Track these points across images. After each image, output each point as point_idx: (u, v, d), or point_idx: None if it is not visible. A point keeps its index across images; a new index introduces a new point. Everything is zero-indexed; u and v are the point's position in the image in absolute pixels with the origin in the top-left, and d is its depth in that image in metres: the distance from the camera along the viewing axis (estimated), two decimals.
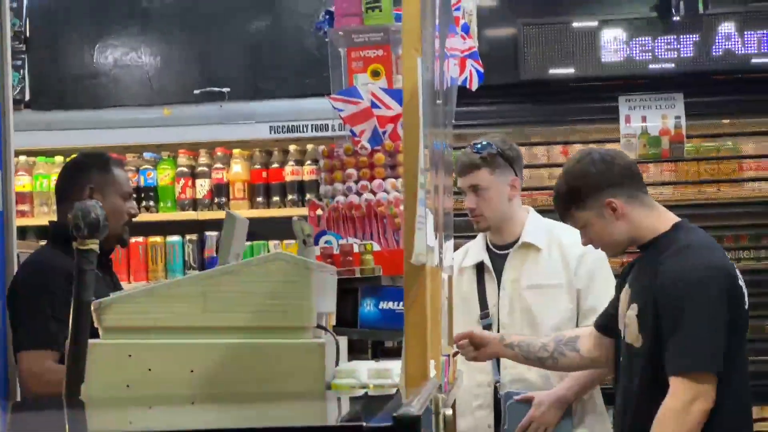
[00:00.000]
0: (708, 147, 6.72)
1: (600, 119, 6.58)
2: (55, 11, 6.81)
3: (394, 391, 2.32)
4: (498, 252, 4.13)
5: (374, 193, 3.22)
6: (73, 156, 4.05)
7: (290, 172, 6.38)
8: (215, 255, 6.45)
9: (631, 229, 3.36)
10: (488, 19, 6.56)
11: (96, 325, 2.38)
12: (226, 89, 6.50)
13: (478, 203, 4.03)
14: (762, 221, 6.61)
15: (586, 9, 6.61)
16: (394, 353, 3.31)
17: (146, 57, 6.77)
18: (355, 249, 2.95)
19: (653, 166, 6.63)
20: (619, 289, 3.53)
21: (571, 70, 6.47)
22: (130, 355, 2.32)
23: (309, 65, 6.50)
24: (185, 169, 6.48)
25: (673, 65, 6.35)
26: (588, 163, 3.39)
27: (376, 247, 3.04)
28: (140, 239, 6.37)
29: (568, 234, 4.12)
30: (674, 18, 6.36)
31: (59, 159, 6.38)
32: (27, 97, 6.63)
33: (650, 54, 6.36)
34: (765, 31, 6.29)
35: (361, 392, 2.32)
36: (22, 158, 6.35)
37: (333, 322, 2.76)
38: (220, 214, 6.43)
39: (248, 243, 5.86)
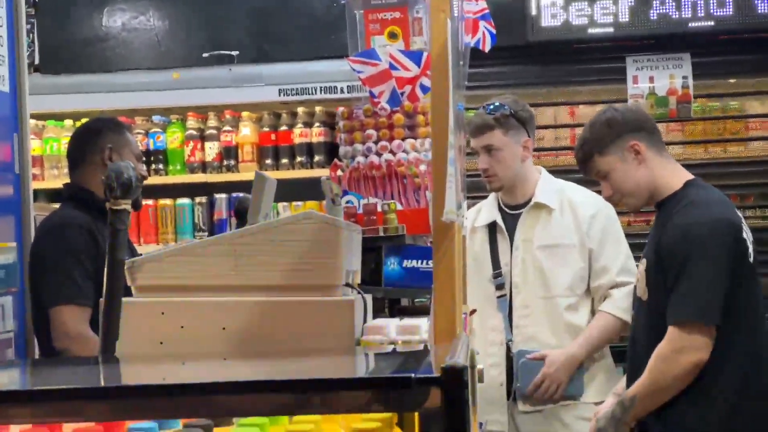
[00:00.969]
0: (714, 107, 6.75)
1: (607, 80, 6.60)
2: None
3: (421, 346, 2.37)
4: (510, 212, 4.17)
5: (393, 154, 3.25)
6: (85, 120, 4.10)
7: (299, 135, 6.40)
8: (224, 217, 6.50)
9: (650, 178, 3.42)
10: None
11: (129, 284, 2.43)
12: (235, 52, 6.51)
13: (492, 164, 4.07)
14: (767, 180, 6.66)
15: None
16: (410, 312, 3.37)
17: (155, 20, 6.77)
18: (378, 208, 2.99)
19: (661, 126, 6.65)
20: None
21: (579, 31, 6.48)
22: (163, 313, 2.37)
23: (318, 28, 6.51)
24: (194, 132, 6.50)
25: (678, 25, 6.37)
26: (613, 112, 3.50)
27: (399, 207, 3.08)
28: (150, 202, 6.40)
29: (579, 194, 4.18)
30: None
31: (69, 123, 6.40)
32: (36, 61, 6.64)
33: (656, 14, 6.37)
34: None
35: (389, 348, 2.37)
36: (32, 122, 6.33)
37: (358, 280, 2.81)
38: (229, 177, 6.49)
39: None
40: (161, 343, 2.36)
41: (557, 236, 4.08)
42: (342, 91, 6.21)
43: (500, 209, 4.19)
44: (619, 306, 3.97)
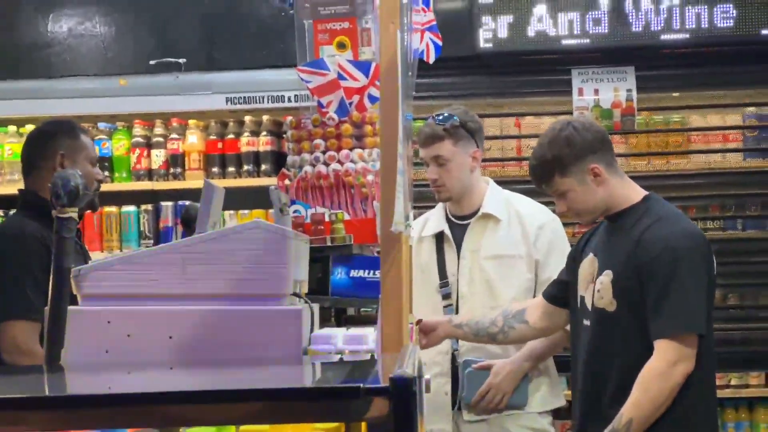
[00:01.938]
0: (657, 120, 6.83)
1: (554, 92, 6.66)
2: None
3: (369, 356, 2.38)
4: (458, 222, 4.19)
5: (341, 164, 3.26)
6: (39, 125, 4.05)
7: (246, 143, 6.39)
8: (170, 225, 6.46)
9: (608, 197, 3.48)
10: None
11: (75, 292, 2.41)
12: (182, 60, 6.48)
13: (441, 174, 4.09)
14: (709, 192, 6.74)
15: None
16: (356, 322, 3.38)
17: (101, 26, 6.72)
18: (326, 218, 3.00)
19: None
20: (575, 258, 3.63)
21: (526, 43, 6.54)
22: (109, 322, 2.35)
23: (266, 37, 6.50)
24: (140, 140, 6.46)
25: (623, 39, 6.44)
26: (572, 131, 3.50)
27: (346, 217, 3.09)
28: None
29: (527, 206, 4.21)
30: None
31: (12, 129, 6.34)
32: None
33: (603, 28, 6.44)
34: (705, 6, 6.39)
35: (336, 358, 2.37)
36: None
37: (305, 290, 2.81)
38: (175, 185, 6.45)
39: None
40: (107, 351, 2.34)
41: (504, 247, 4.11)
42: (290, 100, 6.21)
43: (448, 219, 4.22)
44: None
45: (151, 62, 6.51)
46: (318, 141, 3.26)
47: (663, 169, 6.75)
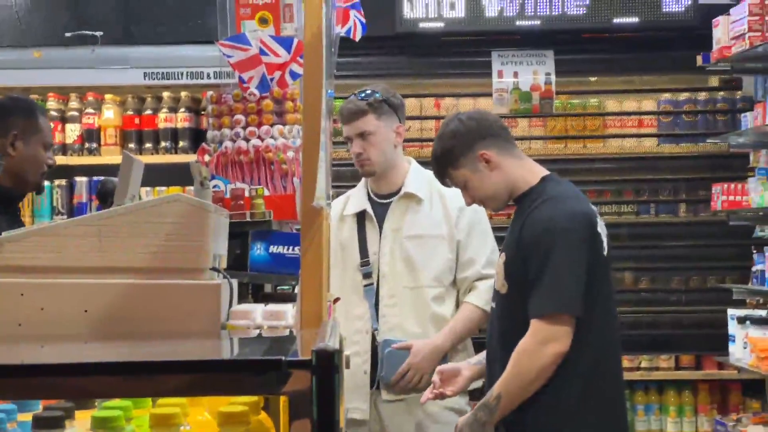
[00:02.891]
0: (574, 104, 6.91)
1: (474, 74, 6.69)
2: None
3: (287, 332, 2.37)
4: (380, 201, 4.19)
5: (262, 139, 3.22)
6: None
7: (164, 119, 6.32)
8: (85, 201, 6.37)
9: (507, 181, 3.48)
10: None
11: None
12: (99, 33, 6.37)
13: (365, 147, 4.09)
14: (624, 176, 6.84)
15: None
16: (274, 299, 3.36)
17: None
18: (246, 193, 2.97)
19: (524, 120, 6.79)
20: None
21: (446, 25, 6.55)
22: (22, 294, 2.30)
23: (186, 11, 6.42)
24: (55, 113, 6.35)
25: (543, 22, 6.50)
26: (457, 123, 3.52)
27: (266, 192, 3.06)
28: None
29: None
30: None
31: None
32: None
33: (520, 9, 6.48)
34: None
35: (254, 333, 2.35)
36: None
37: (224, 265, 2.78)
38: (90, 160, 6.36)
39: None
40: (20, 325, 2.29)
41: (426, 227, 4.12)
42: (209, 76, 6.15)
43: (369, 198, 4.21)
44: (483, 298, 4.03)
45: (67, 34, 6.40)
46: (238, 116, 3.22)
47: (580, 152, 6.83)
